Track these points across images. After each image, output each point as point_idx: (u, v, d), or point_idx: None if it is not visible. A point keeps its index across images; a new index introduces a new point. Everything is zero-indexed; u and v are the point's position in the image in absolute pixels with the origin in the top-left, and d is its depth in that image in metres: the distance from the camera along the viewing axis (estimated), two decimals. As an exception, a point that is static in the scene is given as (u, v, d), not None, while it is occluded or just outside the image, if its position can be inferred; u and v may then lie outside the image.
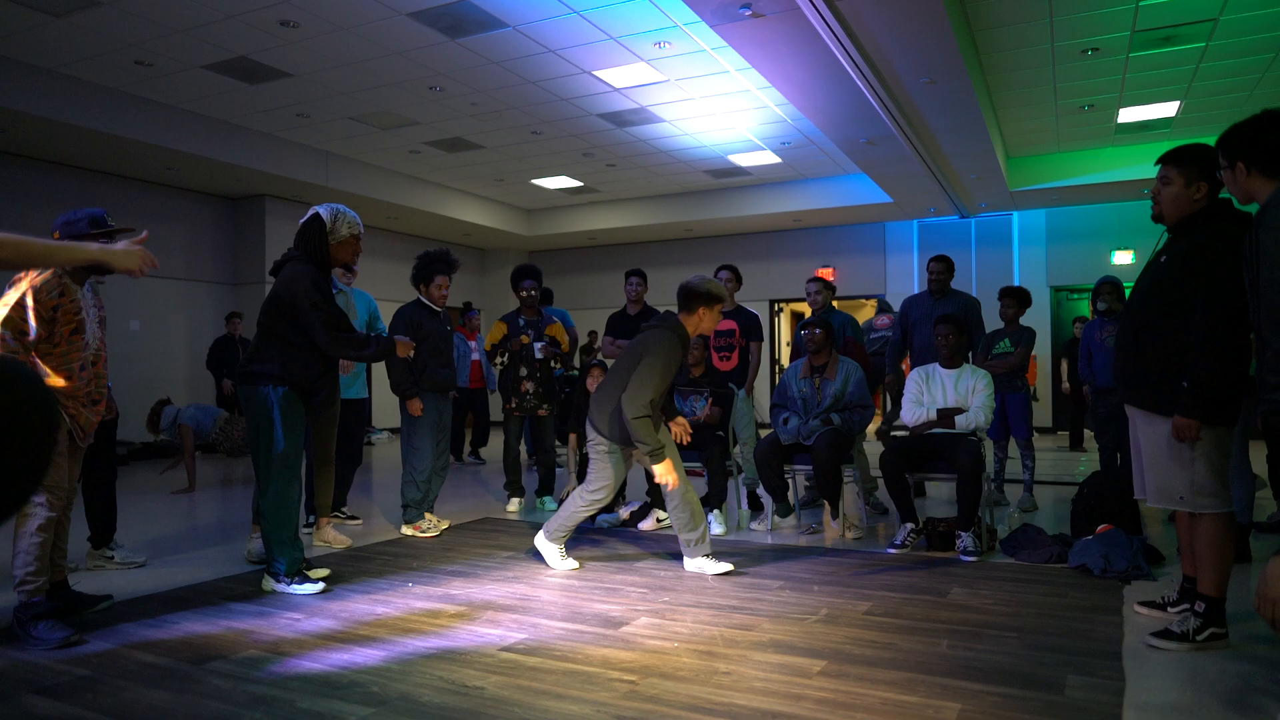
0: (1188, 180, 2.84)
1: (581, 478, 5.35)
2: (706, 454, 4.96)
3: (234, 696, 2.45)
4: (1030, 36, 6.61)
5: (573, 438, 5.53)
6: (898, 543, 4.34)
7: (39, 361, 2.98)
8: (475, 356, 8.56)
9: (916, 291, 7.02)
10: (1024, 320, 5.92)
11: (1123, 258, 11.26)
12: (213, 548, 4.52)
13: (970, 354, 5.57)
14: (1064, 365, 9.54)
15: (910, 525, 4.37)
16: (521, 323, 5.72)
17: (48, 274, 2.99)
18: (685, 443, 4.19)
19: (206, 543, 4.69)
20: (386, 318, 5.27)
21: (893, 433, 5.70)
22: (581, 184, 11.61)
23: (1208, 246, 2.74)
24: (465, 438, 8.99)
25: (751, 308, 5.80)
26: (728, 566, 3.92)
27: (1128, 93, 7.98)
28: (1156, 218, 2.96)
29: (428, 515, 4.96)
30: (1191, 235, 2.82)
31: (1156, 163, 2.95)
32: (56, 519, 3.04)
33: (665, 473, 3.80)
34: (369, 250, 12.35)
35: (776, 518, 4.98)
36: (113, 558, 4.17)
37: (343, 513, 5.21)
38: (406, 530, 4.87)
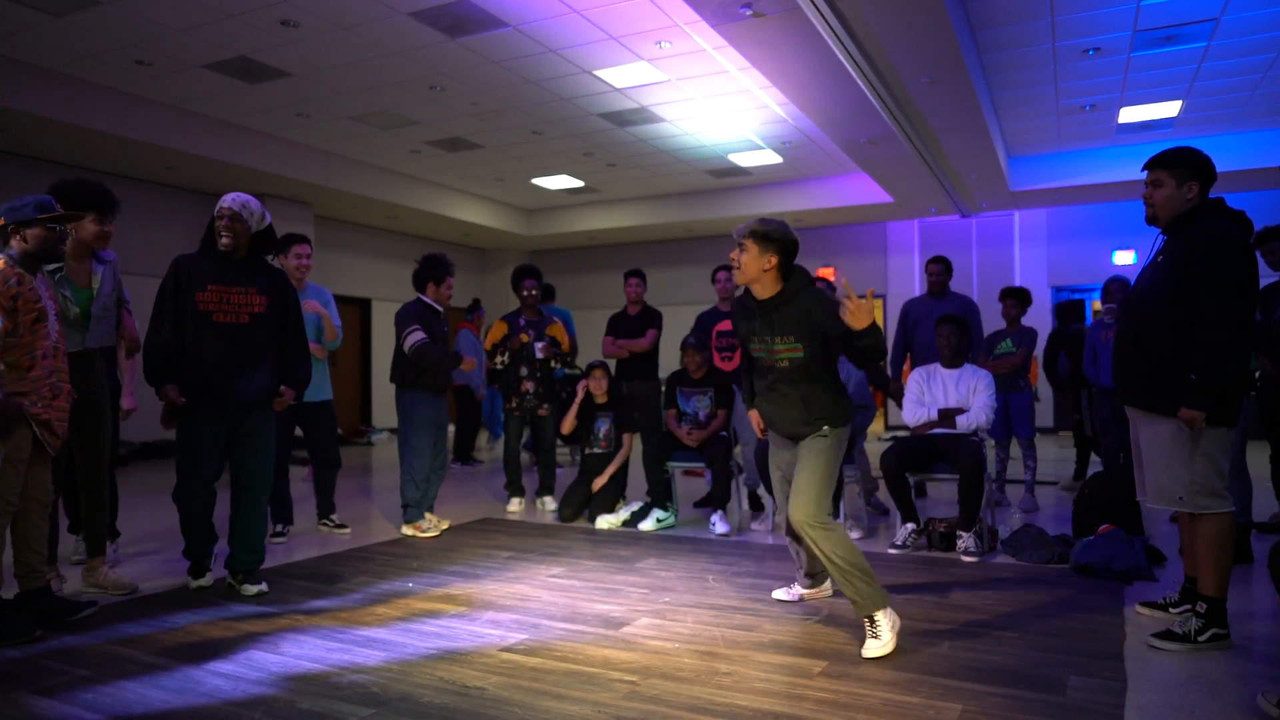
0: (1179, 181, 2.89)
1: (584, 477, 5.35)
2: (710, 454, 4.96)
3: (234, 696, 2.45)
4: (1031, 36, 6.60)
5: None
6: (898, 543, 4.34)
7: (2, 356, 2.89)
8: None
9: (918, 292, 7.02)
10: (1024, 320, 5.93)
11: (1124, 258, 11.24)
12: (213, 548, 4.51)
13: (971, 354, 5.57)
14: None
15: (911, 525, 4.37)
16: (522, 322, 5.72)
17: (1, 264, 2.92)
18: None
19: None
20: (385, 314, 5.25)
21: (894, 433, 5.69)
22: (582, 184, 11.59)
23: (1207, 242, 2.75)
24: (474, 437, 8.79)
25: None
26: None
27: (1129, 92, 7.96)
28: (1150, 220, 3.00)
29: (428, 515, 4.95)
30: (1186, 233, 2.84)
31: (1144, 168, 2.99)
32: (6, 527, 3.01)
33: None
34: (369, 250, 12.40)
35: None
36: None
37: (331, 520, 5.01)
38: (407, 530, 4.86)
